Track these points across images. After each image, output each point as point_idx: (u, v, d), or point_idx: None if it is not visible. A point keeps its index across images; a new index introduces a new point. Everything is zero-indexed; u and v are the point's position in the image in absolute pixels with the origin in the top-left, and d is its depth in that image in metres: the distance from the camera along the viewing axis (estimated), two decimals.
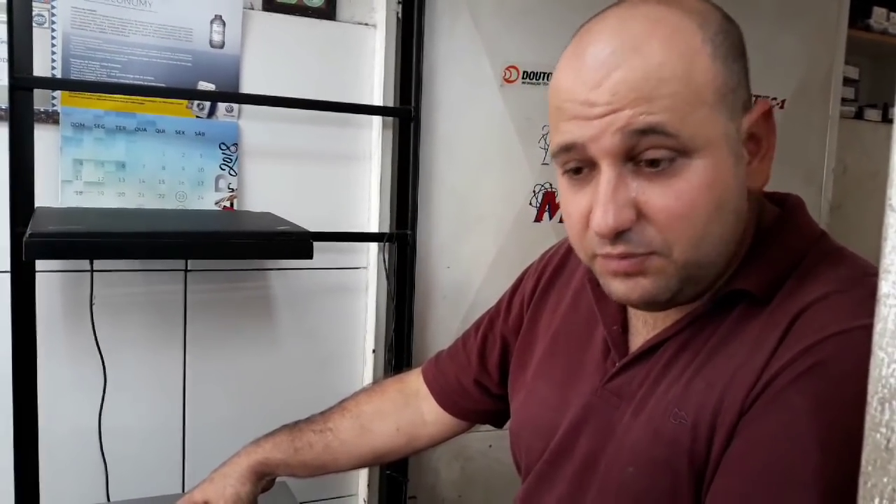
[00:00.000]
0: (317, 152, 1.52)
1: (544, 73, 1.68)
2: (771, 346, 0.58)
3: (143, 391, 1.40)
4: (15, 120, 1.19)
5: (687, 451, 0.60)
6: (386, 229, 1.56)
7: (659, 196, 0.58)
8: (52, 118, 1.31)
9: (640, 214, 0.59)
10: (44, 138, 1.28)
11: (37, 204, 1.22)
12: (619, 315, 0.73)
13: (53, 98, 1.31)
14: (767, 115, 0.63)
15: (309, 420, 0.97)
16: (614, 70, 0.57)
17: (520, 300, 0.88)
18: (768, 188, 0.68)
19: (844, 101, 2.28)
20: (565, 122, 0.60)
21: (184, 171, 1.41)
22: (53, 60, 1.30)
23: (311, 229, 1.26)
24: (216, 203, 1.43)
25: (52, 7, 1.30)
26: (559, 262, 0.86)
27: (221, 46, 1.44)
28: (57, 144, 1.31)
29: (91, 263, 1.29)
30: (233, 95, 1.44)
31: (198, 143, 1.41)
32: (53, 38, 1.30)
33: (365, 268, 1.58)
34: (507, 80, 1.66)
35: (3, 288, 1.22)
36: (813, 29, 2.06)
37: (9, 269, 1.19)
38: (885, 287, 0.39)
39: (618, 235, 0.59)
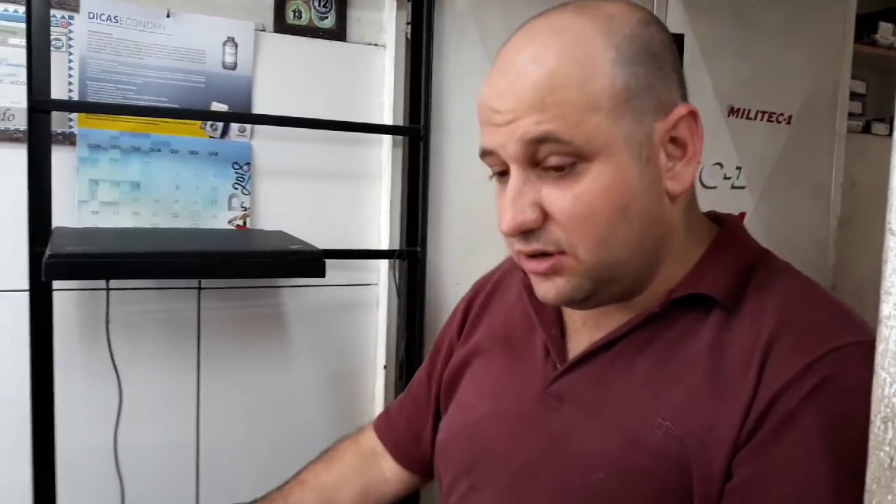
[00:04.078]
0: (328, 171, 1.54)
1: None
2: (757, 360, 0.59)
3: (158, 408, 1.42)
4: (33, 142, 1.21)
5: (674, 461, 0.60)
6: (396, 246, 1.57)
7: (559, 198, 0.61)
8: (69, 139, 1.33)
9: (547, 215, 0.61)
10: (61, 159, 1.30)
11: (54, 224, 1.24)
12: (557, 319, 0.73)
13: (70, 120, 1.33)
14: (690, 119, 0.63)
15: (267, 499, 0.92)
16: (515, 80, 0.60)
17: (456, 328, 0.88)
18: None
19: (851, 115, 2.29)
20: (483, 128, 0.65)
21: (197, 191, 1.43)
22: (70, 83, 1.33)
23: (323, 246, 1.28)
24: (229, 222, 1.45)
25: (70, 31, 1.33)
26: (494, 283, 0.87)
27: (234, 68, 1.46)
28: (74, 165, 1.33)
29: (107, 282, 1.31)
30: (245, 116, 1.46)
31: (211, 162, 1.44)
32: (71, 61, 1.33)
33: (375, 284, 1.60)
34: None
35: (21, 306, 1.24)
36: (819, 44, 2.07)
37: (26, 288, 1.21)
38: (885, 309, 0.40)
39: (526, 235, 0.62)
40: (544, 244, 0.62)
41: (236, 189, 1.46)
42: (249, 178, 1.47)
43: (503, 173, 0.65)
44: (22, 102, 1.25)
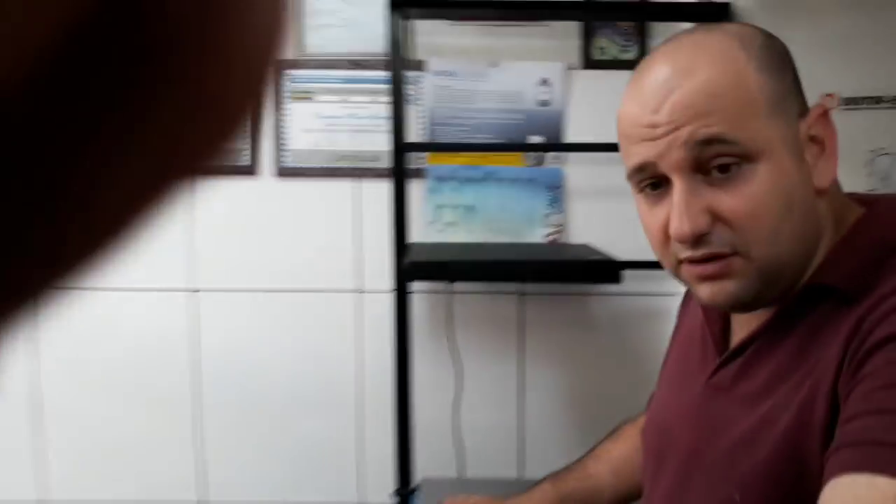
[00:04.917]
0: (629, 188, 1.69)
1: (868, 98, 1.64)
2: (853, 325, 0.61)
3: (489, 394, 1.70)
4: (395, 176, 1.56)
5: (784, 431, 0.63)
6: None
7: (729, 200, 0.64)
8: (420, 174, 1.67)
9: (716, 218, 0.65)
10: (414, 189, 1.64)
11: (410, 240, 1.57)
12: (721, 317, 0.76)
13: (421, 158, 1.68)
14: (825, 117, 0.66)
15: (568, 469, 1.07)
16: (670, 94, 0.64)
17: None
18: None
19: None
20: (634, 145, 0.68)
21: (518, 211, 1.68)
22: (421, 129, 1.67)
23: (625, 258, 1.43)
24: (544, 237, 1.68)
25: (420, 87, 1.67)
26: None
27: (548, 104, 1.69)
28: (423, 194, 1.67)
29: (450, 286, 1.61)
30: (557, 145, 1.68)
31: (529, 187, 1.68)
32: (421, 111, 1.67)
33: (675, 294, 1.70)
34: None
35: (386, 305, 1.60)
36: None
37: (391, 289, 1.56)
38: None
39: (698, 240, 0.65)
40: (717, 247, 0.65)
41: (550, 208, 1.68)
42: (561, 198, 1.69)
43: (655, 185, 0.69)
44: (387, 146, 1.60)
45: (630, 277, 1.52)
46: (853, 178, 1.65)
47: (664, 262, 0.72)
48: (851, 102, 1.65)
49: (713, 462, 0.71)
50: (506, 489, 1.13)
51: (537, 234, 1.69)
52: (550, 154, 1.69)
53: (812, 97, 1.63)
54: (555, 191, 1.69)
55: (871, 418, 0.55)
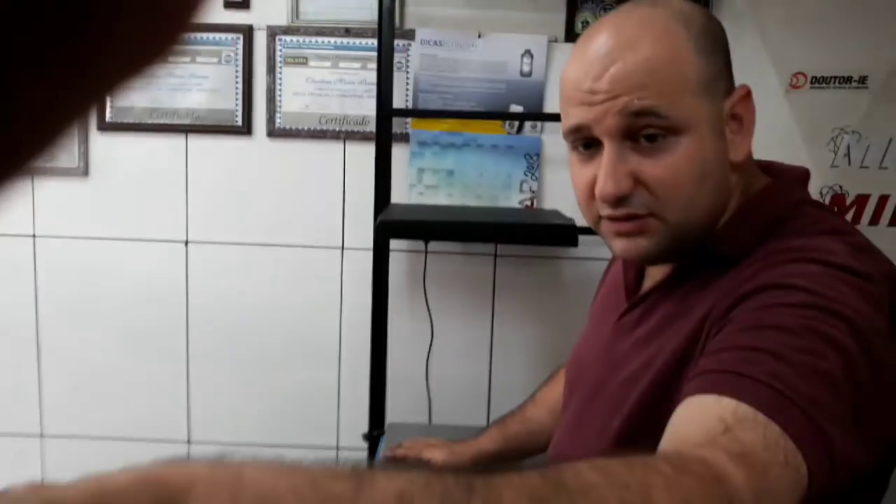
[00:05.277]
0: None
1: (835, 77, 1.70)
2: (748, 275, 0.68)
3: (460, 348, 1.80)
4: (379, 140, 1.65)
5: (656, 373, 0.71)
6: None
7: (652, 167, 0.71)
8: (404, 138, 1.76)
9: (638, 182, 0.71)
10: (399, 153, 1.72)
11: (392, 201, 1.67)
12: (636, 266, 0.85)
13: (406, 123, 1.76)
14: (746, 97, 0.73)
15: (512, 414, 1.19)
16: (612, 64, 0.69)
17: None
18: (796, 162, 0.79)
19: None
20: (573, 107, 0.73)
21: (496, 177, 1.77)
22: (407, 95, 1.75)
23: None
24: (520, 202, 1.77)
25: (407, 55, 1.75)
26: None
27: (529, 75, 1.77)
28: (407, 158, 1.76)
29: (426, 245, 1.71)
30: (537, 115, 1.76)
31: (508, 154, 1.77)
32: (407, 79, 1.75)
33: None
34: (794, 86, 1.73)
35: (367, 262, 1.70)
36: None
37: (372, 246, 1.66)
38: None
39: (619, 200, 0.71)
40: (635, 208, 0.72)
41: (527, 176, 1.77)
42: (538, 166, 1.77)
43: (588, 145, 0.74)
44: (373, 111, 1.68)
45: (595, 243, 1.60)
46: (817, 154, 1.72)
47: (586, 217, 0.78)
48: (820, 81, 1.71)
49: (609, 396, 0.80)
50: (465, 434, 1.24)
51: (513, 200, 1.78)
52: (529, 123, 1.77)
53: (783, 75, 1.71)
54: (532, 159, 1.77)
55: (725, 353, 0.62)
